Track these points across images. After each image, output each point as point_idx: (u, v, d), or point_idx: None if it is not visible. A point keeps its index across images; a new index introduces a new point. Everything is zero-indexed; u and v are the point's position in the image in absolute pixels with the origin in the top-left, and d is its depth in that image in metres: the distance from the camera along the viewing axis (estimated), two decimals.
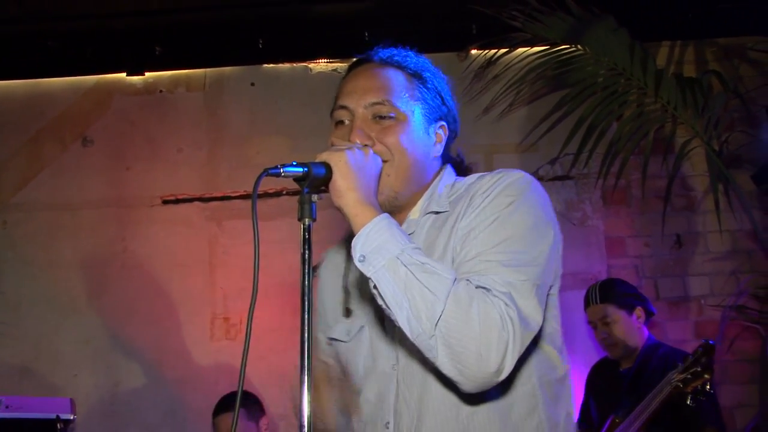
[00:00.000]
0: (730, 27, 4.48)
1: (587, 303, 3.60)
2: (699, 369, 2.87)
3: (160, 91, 4.82)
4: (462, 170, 1.88)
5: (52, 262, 4.63)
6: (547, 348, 1.69)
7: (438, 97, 1.81)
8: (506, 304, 1.48)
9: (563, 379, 1.73)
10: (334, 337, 1.86)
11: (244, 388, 3.84)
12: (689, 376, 2.88)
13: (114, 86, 4.82)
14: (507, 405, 1.62)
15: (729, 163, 4.13)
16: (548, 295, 1.66)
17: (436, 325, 1.45)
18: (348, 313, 1.83)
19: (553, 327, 1.71)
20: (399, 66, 1.79)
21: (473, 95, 4.53)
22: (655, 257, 4.49)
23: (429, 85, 1.80)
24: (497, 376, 1.48)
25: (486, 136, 4.60)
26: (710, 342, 2.92)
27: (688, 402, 2.94)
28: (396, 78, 1.77)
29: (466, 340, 1.45)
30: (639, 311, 3.46)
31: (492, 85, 4.52)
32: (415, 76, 1.79)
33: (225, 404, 3.84)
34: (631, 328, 3.45)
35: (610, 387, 3.51)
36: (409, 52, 1.84)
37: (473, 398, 1.58)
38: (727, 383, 4.23)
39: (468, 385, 1.50)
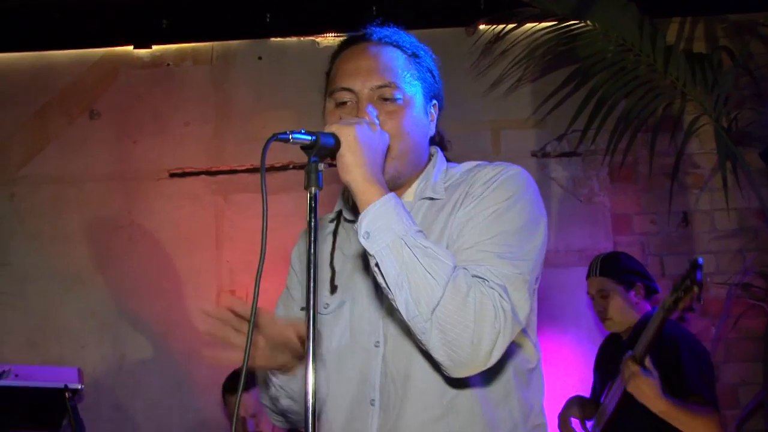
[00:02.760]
0: (741, 3, 4.44)
1: (588, 274, 3.59)
2: (689, 283, 2.87)
3: (167, 65, 4.81)
4: (443, 147, 1.91)
5: (59, 234, 4.64)
6: (523, 340, 1.73)
7: (431, 75, 1.82)
8: (501, 296, 1.51)
9: (535, 368, 1.78)
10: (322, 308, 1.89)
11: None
12: (681, 294, 2.89)
13: (121, 59, 4.81)
14: (486, 389, 1.66)
15: (738, 140, 4.11)
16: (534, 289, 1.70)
17: (433, 310, 1.47)
18: (334, 290, 1.82)
19: (532, 319, 1.74)
20: (397, 45, 1.79)
21: (481, 70, 4.52)
22: (661, 235, 4.48)
23: (423, 64, 1.81)
24: (485, 364, 1.52)
25: (493, 112, 4.59)
26: (698, 260, 2.89)
27: (680, 319, 3.06)
28: (397, 58, 1.76)
29: (461, 327, 1.47)
30: (638, 288, 3.42)
31: (500, 60, 4.51)
32: (413, 55, 1.79)
33: (234, 381, 3.84)
34: (627, 304, 3.41)
35: (612, 359, 3.52)
36: (402, 31, 1.83)
37: (457, 381, 1.62)
38: (731, 361, 4.25)
39: (455, 371, 1.54)
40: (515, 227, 1.63)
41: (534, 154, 4.54)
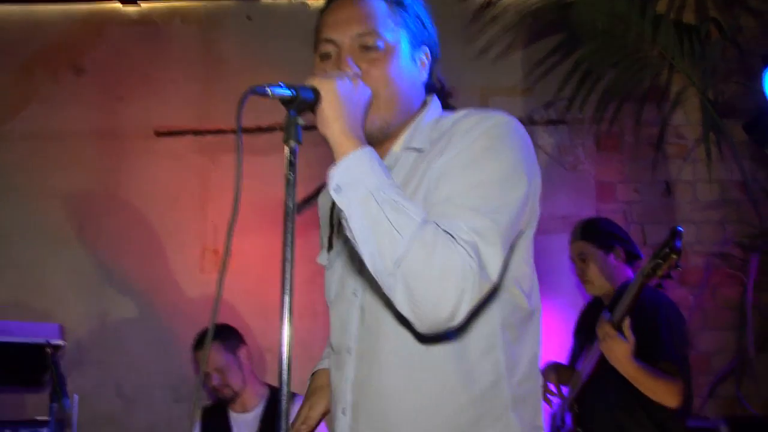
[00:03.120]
0: None
1: (571, 238, 3.64)
2: (668, 251, 2.92)
3: (156, 23, 4.82)
4: (444, 96, 1.89)
5: (43, 192, 4.67)
6: (514, 291, 1.69)
7: (419, 22, 1.80)
8: (469, 254, 1.47)
9: (529, 321, 1.74)
10: (320, 262, 1.94)
11: (226, 322, 3.95)
12: (660, 261, 2.94)
13: (108, 16, 4.81)
14: (464, 343, 1.64)
15: (723, 112, 4.17)
16: (521, 238, 1.68)
17: (398, 265, 1.46)
18: (331, 246, 1.87)
19: (523, 270, 1.71)
20: None
21: (471, 37, 4.55)
22: (643, 203, 4.57)
23: (410, 11, 1.79)
24: (450, 322, 1.49)
25: (482, 78, 4.63)
26: (678, 228, 2.97)
27: (658, 286, 3.12)
28: (378, 7, 1.75)
29: (424, 284, 1.45)
30: (618, 251, 3.46)
31: (490, 27, 4.55)
32: (396, 3, 1.78)
33: (202, 337, 3.93)
34: (606, 268, 3.45)
35: (592, 325, 3.58)
36: None
37: (430, 335, 1.60)
38: (707, 329, 4.36)
39: (421, 327, 1.52)
40: (494, 178, 1.59)
41: (521, 122, 4.57)
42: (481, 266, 1.48)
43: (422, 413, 1.64)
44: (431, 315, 1.48)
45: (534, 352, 1.75)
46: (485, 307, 1.63)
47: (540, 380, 1.78)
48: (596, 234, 3.52)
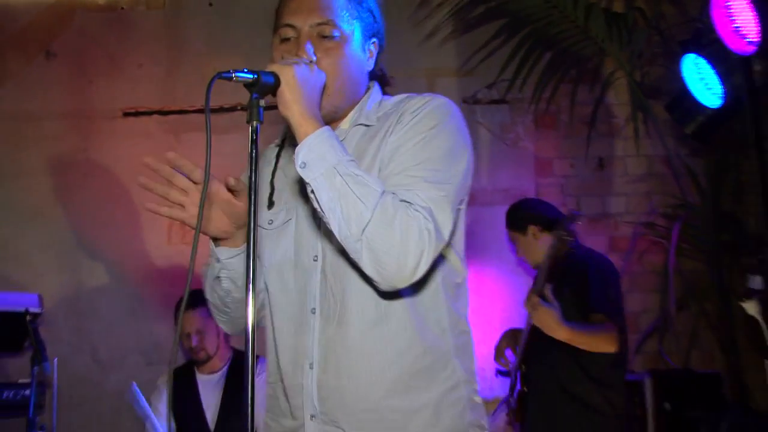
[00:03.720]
0: None
1: None
2: (564, 233, 3.33)
3: (122, 8, 4.90)
4: (384, 83, 2.03)
5: (18, 169, 4.73)
6: (451, 255, 1.88)
7: (371, 15, 1.93)
8: (425, 218, 1.64)
9: (462, 284, 1.92)
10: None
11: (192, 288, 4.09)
12: (561, 238, 3.33)
13: (77, 2, 4.87)
14: (416, 300, 1.81)
15: (648, 93, 4.43)
16: (458, 209, 1.84)
17: (363, 230, 1.61)
18: (270, 205, 1.96)
19: (458, 237, 1.90)
20: None
21: (418, 21, 4.72)
22: (579, 177, 4.79)
23: (363, 5, 1.91)
24: (411, 278, 1.66)
25: (429, 61, 4.80)
26: (574, 212, 3.39)
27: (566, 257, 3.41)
28: None
29: (388, 246, 1.62)
30: (532, 229, 3.66)
31: (436, 12, 4.70)
32: None
33: (188, 303, 4.04)
34: (528, 246, 3.68)
35: None
36: None
37: (389, 293, 1.76)
38: (635, 291, 4.60)
39: (384, 285, 1.69)
40: (440, 153, 1.75)
41: (465, 101, 4.78)
42: (437, 228, 1.66)
43: (386, 363, 1.78)
44: (395, 273, 1.63)
45: (466, 310, 1.94)
46: (430, 269, 1.75)
47: (471, 333, 1.94)
48: (513, 220, 3.80)
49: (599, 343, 3.30)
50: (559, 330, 3.26)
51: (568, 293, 3.39)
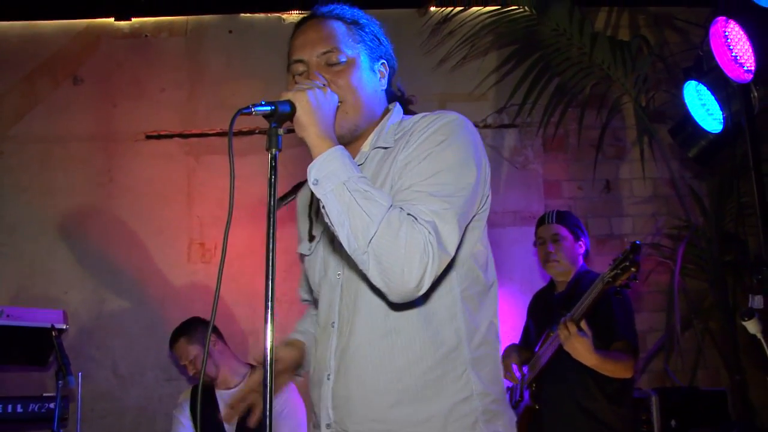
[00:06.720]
0: None
1: (541, 222, 3.87)
2: (627, 264, 3.11)
3: (145, 36, 5.05)
4: (404, 102, 2.09)
5: (45, 189, 4.85)
6: (471, 266, 1.90)
7: (375, 39, 2.00)
8: (429, 232, 1.67)
9: (486, 292, 1.93)
10: (301, 252, 2.10)
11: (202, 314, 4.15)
12: (619, 272, 3.14)
13: (103, 30, 5.02)
14: (429, 312, 1.83)
15: (653, 118, 4.53)
16: (476, 220, 1.89)
17: (369, 243, 1.65)
18: (311, 238, 2.05)
19: (479, 248, 1.92)
20: (338, 17, 1.98)
21: (430, 48, 4.85)
22: (586, 199, 4.87)
23: (366, 30, 1.99)
24: (417, 291, 1.68)
25: (441, 86, 4.91)
26: (637, 242, 3.17)
27: (616, 293, 3.30)
28: (338, 28, 1.95)
29: (393, 258, 1.64)
30: (582, 242, 3.76)
31: (448, 39, 4.83)
32: (353, 23, 1.98)
33: (173, 336, 4.15)
34: (573, 251, 3.74)
35: (546, 308, 3.81)
36: (344, 5, 2.02)
37: (399, 304, 1.79)
38: (642, 311, 4.65)
39: (392, 296, 1.71)
40: (447, 166, 1.77)
41: (476, 125, 4.86)
42: (440, 242, 1.68)
43: (395, 374, 1.81)
44: (400, 285, 1.66)
45: (491, 320, 1.94)
46: (446, 280, 1.82)
47: (497, 346, 1.95)
48: (570, 221, 3.82)
49: (621, 371, 3.40)
50: (590, 357, 3.31)
51: (592, 320, 3.41)
